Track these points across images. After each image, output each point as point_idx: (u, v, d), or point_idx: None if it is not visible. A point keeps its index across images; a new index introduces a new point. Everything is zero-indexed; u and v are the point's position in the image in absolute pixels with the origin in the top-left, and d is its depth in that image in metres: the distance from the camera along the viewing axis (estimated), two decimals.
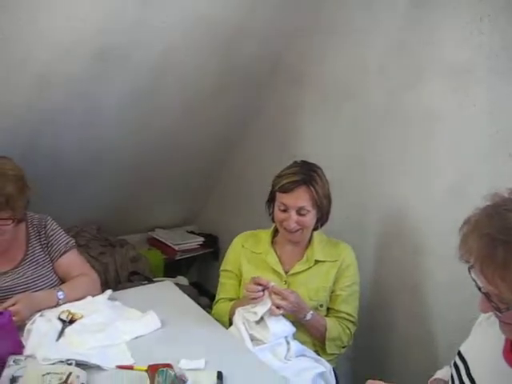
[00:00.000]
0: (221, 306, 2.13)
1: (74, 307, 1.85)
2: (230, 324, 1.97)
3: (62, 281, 2.03)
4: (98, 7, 2.13)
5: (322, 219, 2.06)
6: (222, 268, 2.20)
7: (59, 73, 2.30)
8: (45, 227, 2.04)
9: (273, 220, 2.12)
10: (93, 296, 1.96)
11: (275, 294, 1.84)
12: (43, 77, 2.28)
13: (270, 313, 1.82)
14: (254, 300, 1.85)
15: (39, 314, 1.78)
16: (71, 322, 1.78)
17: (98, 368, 1.57)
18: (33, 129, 2.50)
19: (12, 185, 1.79)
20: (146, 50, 2.42)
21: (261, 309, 1.83)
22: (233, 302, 2.09)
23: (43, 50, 2.18)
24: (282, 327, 1.85)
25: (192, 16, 2.37)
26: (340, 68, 2.55)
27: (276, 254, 2.11)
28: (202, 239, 3.65)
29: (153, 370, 1.46)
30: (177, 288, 2.24)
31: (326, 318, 2.03)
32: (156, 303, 1.98)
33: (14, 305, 1.72)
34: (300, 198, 1.95)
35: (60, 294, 1.89)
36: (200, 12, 2.36)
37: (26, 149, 2.50)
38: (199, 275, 3.91)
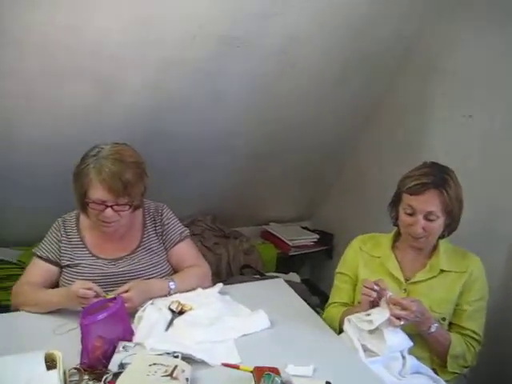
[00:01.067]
0: (333, 311, 2.03)
1: (184, 298, 1.83)
2: (341, 331, 1.86)
3: (174, 270, 2.02)
4: None
5: (450, 227, 1.88)
6: (337, 270, 2.10)
7: (183, 58, 2.31)
8: (161, 215, 2.04)
9: (394, 223, 1.98)
10: (203, 288, 1.94)
11: (394, 304, 1.69)
12: (166, 62, 2.30)
13: (389, 323, 1.68)
14: (365, 297, 1.74)
15: (150, 301, 1.78)
16: (180, 313, 1.76)
17: (203, 363, 1.54)
18: (154, 116, 2.55)
19: (130, 171, 1.79)
20: (272, 37, 2.36)
21: (378, 318, 1.69)
22: (345, 309, 1.98)
23: (169, 34, 2.19)
24: (399, 340, 1.70)
25: (320, 3, 2.27)
26: (478, 56, 2.34)
27: (396, 259, 1.96)
28: (316, 236, 3.57)
29: (259, 372, 1.40)
30: (288, 287, 2.15)
31: (450, 333, 1.85)
32: (266, 301, 1.93)
33: (126, 291, 1.73)
34: (430, 202, 1.79)
35: (171, 284, 1.88)
36: None
37: (146, 136, 2.55)
38: (311, 273, 3.84)
